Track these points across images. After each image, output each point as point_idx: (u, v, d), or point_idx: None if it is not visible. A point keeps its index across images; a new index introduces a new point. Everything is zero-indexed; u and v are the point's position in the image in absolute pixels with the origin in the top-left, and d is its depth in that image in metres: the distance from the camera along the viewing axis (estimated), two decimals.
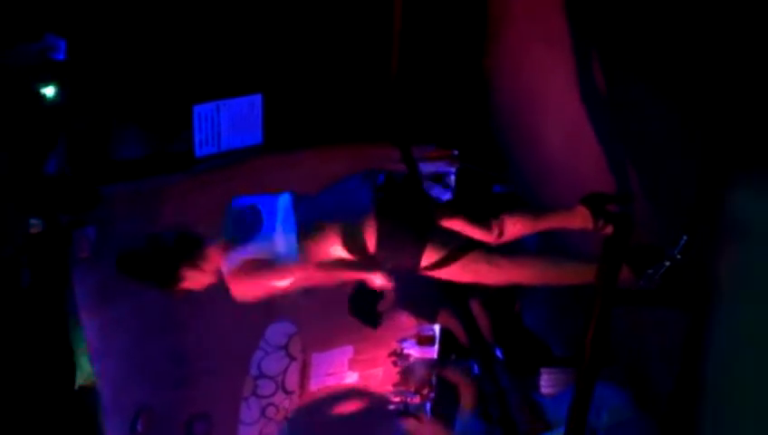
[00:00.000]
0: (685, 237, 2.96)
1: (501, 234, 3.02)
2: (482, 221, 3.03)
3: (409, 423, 4.14)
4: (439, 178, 4.79)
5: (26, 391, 3.97)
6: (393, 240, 3.00)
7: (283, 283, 3.06)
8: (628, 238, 2.85)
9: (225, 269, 3.04)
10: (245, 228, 3.04)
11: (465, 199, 4.69)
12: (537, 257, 3.29)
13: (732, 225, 2.86)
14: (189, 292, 3.14)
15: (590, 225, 3.00)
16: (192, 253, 3.07)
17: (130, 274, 3.10)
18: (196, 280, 3.11)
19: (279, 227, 3.03)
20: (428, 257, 3.04)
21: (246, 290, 3.06)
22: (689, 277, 3.03)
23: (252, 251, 3.00)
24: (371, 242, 3.00)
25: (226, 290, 3.10)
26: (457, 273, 3.15)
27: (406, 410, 4.62)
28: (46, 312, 4.07)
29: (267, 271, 3.01)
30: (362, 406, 5.07)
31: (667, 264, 2.97)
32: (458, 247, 3.07)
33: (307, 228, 3.03)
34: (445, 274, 3.14)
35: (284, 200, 3.13)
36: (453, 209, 3.12)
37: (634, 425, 3.42)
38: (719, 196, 2.95)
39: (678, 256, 2.95)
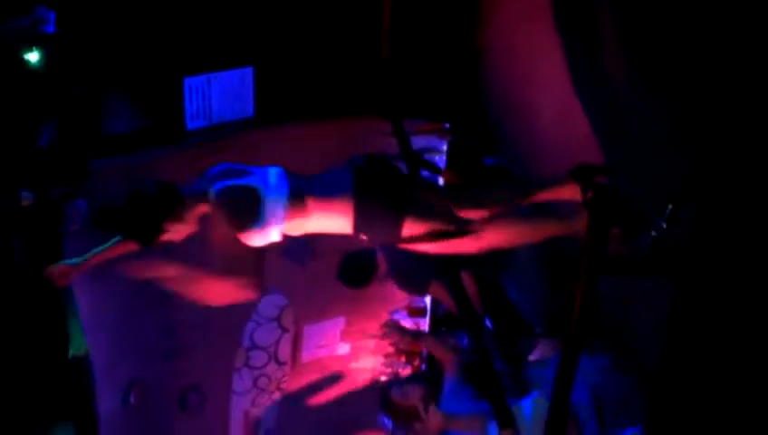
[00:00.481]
0: (670, 207, 2.98)
1: (489, 211, 3.06)
2: (470, 200, 3.07)
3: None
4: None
5: (19, 362, 3.99)
6: (371, 213, 3.04)
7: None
8: (615, 209, 2.87)
9: (210, 194, 3.00)
10: (235, 175, 3.05)
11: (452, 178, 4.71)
12: (513, 218, 3.27)
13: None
14: (170, 242, 3.11)
15: (578, 196, 3.01)
16: (172, 202, 3.05)
17: (111, 227, 3.09)
18: (177, 230, 3.09)
19: (270, 191, 3.03)
20: (408, 230, 3.07)
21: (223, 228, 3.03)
22: (675, 246, 3.05)
23: (239, 183, 3.01)
24: (350, 216, 3.03)
25: (220, 261, 3.10)
26: (438, 244, 3.18)
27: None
28: (38, 284, 4.08)
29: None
30: (354, 378, 5.12)
31: (654, 233, 2.99)
32: (436, 219, 3.10)
33: (293, 199, 3.05)
34: (426, 247, 3.17)
35: (276, 171, 3.15)
36: (440, 189, 3.15)
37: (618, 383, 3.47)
38: (706, 166, 2.97)
39: (664, 226, 2.97)
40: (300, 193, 3.06)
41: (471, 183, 4.59)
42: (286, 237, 3.12)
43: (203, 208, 3.07)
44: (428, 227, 3.10)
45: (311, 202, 3.05)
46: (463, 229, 3.13)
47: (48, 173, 4.06)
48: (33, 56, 4.05)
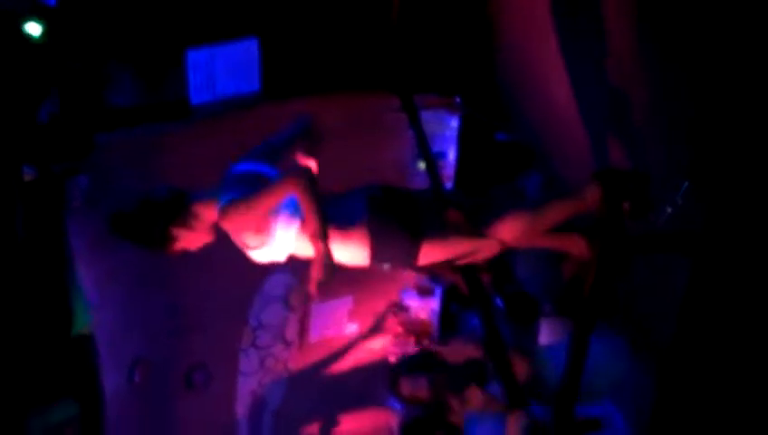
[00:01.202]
0: (686, 183, 2.90)
1: (503, 242, 2.98)
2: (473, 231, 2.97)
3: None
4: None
5: (22, 338, 3.97)
6: (388, 243, 2.95)
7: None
8: (626, 187, 2.80)
9: (218, 208, 2.88)
10: (243, 187, 2.90)
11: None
12: (524, 211, 3.14)
13: None
14: (184, 251, 3.01)
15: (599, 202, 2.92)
16: (182, 211, 2.93)
17: (122, 235, 3.01)
18: (188, 240, 2.98)
19: (284, 208, 2.91)
20: (425, 255, 3.00)
21: (238, 225, 2.89)
22: (691, 223, 2.98)
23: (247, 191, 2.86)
24: (366, 246, 2.94)
25: (225, 242, 3.01)
26: (453, 253, 3.09)
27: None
28: (42, 260, 4.05)
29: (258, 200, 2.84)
30: (362, 357, 5.08)
31: (669, 209, 2.92)
32: (453, 236, 3.02)
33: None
34: (446, 268, 3.12)
35: None
36: (444, 204, 3.07)
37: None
38: (720, 142, 2.90)
39: (680, 202, 2.89)
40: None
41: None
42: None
43: (213, 218, 2.95)
44: (445, 247, 3.02)
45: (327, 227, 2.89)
46: (479, 240, 3.04)
47: (49, 148, 4.01)
48: (34, 29, 3.98)
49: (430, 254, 3.00)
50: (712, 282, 2.96)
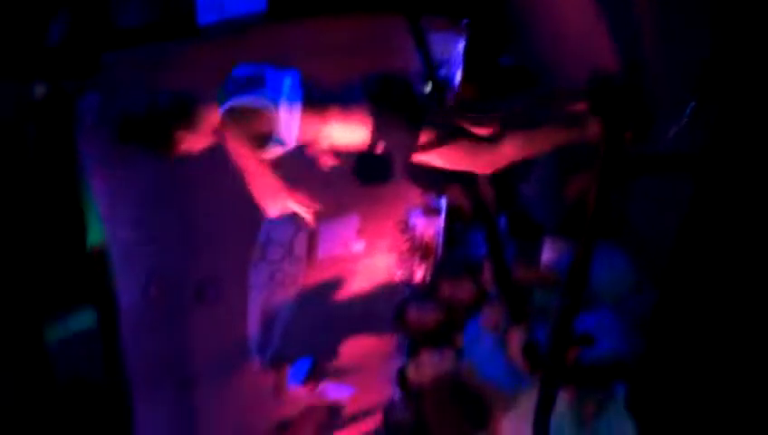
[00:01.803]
0: (693, 103, 2.92)
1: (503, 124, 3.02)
2: (485, 112, 3.03)
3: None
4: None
5: (36, 253, 4.06)
6: (389, 122, 3.01)
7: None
8: (627, 111, 2.82)
9: (220, 110, 2.96)
10: (246, 87, 2.97)
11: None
12: (527, 129, 3.17)
13: None
14: (188, 153, 3.09)
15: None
16: (187, 113, 3.02)
17: (128, 138, 3.08)
18: (192, 142, 3.07)
19: (282, 98, 2.97)
20: (425, 140, 3.05)
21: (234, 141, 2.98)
22: (696, 143, 3.01)
23: (250, 99, 2.94)
24: (367, 125, 3.00)
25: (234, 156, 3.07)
26: (454, 160, 3.15)
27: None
28: (54, 177, 4.11)
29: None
30: (368, 275, 5.17)
31: (675, 128, 2.95)
32: (453, 131, 3.07)
33: (309, 107, 3.00)
34: (442, 161, 3.15)
35: (292, 76, 3.06)
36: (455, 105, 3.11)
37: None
38: (727, 63, 2.90)
39: (686, 120, 2.92)
40: (316, 101, 3.01)
41: (486, 96, 4.52)
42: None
43: (216, 120, 3.02)
44: (445, 139, 3.07)
45: (328, 109, 3.01)
46: (478, 143, 3.09)
47: (59, 67, 4.02)
48: None
49: (430, 140, 3.04)
50: (714, 202, 2.99)
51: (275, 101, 2.97)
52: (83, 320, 4.33)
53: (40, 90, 3.99)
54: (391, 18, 4.65)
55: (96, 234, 4.25)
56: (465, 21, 4.88)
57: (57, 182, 4.12)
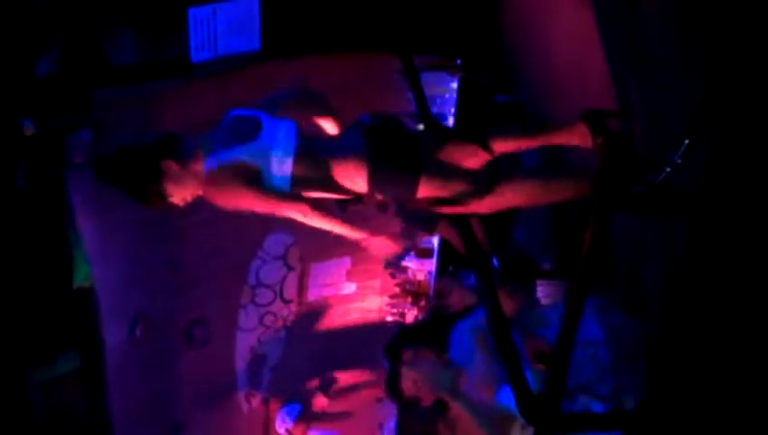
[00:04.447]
0: (686, 142, 2.90)
1: (492, 152, 3.00)
2: (471, 141, 3.00)
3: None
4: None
5: (23, 291, 4.01)
6: (386, 172, 2.95)
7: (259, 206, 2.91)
8: (626, 154, 2.81)
9: (204, 169, 2.84)
10: (240, 136, 2.88)
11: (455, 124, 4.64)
12: (530, 178, 3.18)
13: None
14: (170, 205, 2.95)
15: (588, 142, 2.93)
16: (169, 158, 2.87)
17: (110, 181, 2.96)
18: (177, 194, 2.92)
19: (277, 148, 2.91)
20: (424, 190, 3.00)
21: (221, 199, 2.88)
22: (688, 184, 2.99)
23: (240, 157, 2.84)
24: (363, 178, 2.94)
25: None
26: (454, 206, 3.11)
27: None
28: (42, 214, 4.07)
29: (247, 188, 2.83)
30: (359, 317, 5.12)
31: (668, 169, 2.92)
32: (452, 178, 3.04)
33: (302, 157, 2.92)
34: (442, 209, 3.12)
35: (287, 126, 2.98)
36: (442, 136, 3.08)
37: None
38: (721, 102, 2.89)
39: (679, 161, 2.90)
40: (311, 151, 2.94)
41: (482, 123, 4.51)
42: None
43: (199, 169, 2.89)
44: (445, 187, 3.03)
45: (324, 161, 2.93)
46: (479, 189, 3.06)
47: (49, 103, 4.00)
48: None
49: (429, 189, 2.98)
50: (710, 242, 2.97)
51: (267, 152, 2.89)
52: (68, 362, 4.26)
53: (29, 126, 3.96)
54: (385, 57, 4.67)
55: (82, 273, 4.20)
56: (458, 60, 4.90)
57: (44, 220, 4.08)
